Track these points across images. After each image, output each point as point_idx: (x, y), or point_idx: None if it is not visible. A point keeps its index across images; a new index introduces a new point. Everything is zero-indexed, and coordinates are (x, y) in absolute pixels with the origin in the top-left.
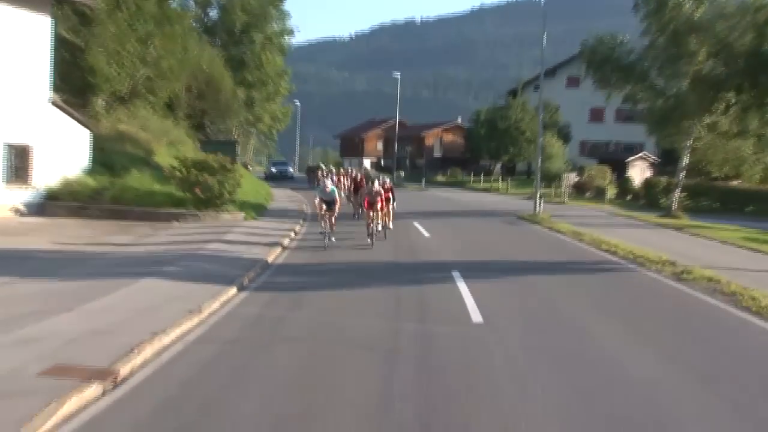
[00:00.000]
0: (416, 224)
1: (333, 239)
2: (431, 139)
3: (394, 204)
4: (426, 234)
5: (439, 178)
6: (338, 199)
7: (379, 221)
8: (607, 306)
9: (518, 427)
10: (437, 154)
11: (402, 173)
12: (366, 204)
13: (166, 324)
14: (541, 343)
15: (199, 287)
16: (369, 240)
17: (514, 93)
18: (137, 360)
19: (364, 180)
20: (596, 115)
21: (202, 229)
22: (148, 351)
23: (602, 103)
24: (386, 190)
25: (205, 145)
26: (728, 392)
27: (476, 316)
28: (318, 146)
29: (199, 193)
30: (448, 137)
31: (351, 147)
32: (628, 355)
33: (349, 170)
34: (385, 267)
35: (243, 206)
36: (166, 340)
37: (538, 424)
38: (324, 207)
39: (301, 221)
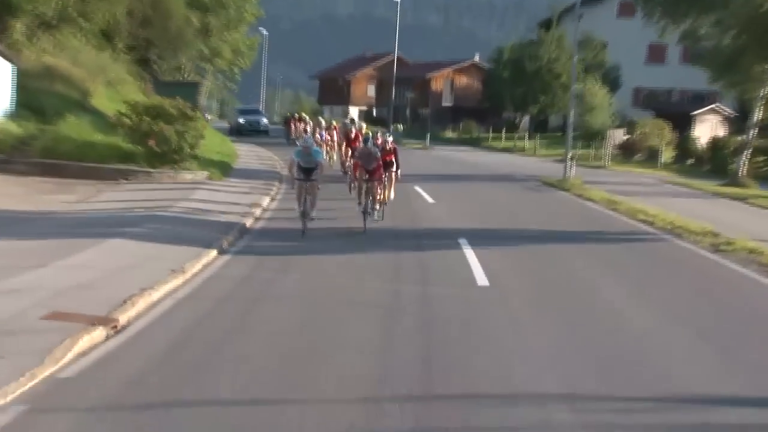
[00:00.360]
0: (418, 189)
1: (313, 215)
2: (439, 82)
3: (398, 173)
4: (430, 200)
5: (449, 133)
6: (322, 165)
7: (376, 198)
8: (623, 273)
9: (513, 365)
10: (447, 102)
11: (400, 126)
12: (356, 171)
13: (151, 282)
14: (547, 304)
15: (174, 249)
16: (363, 221)
17: (547, 24)
18: (132, 311)
19: (359, 137)
20: (656, 54)
21: (159, 189)
22: (141, 304)
23: (664, 38)
24: (387, 153)
25: (159, 86)
26: (722, 344)
27: (482, 280)
28: (287, 88)
29: (153, 146)
30: (462, 80)
31: (333, 91)
32: (633, 315)
33: (348, 124)
34: (381, 233)
35: (206, 164)
36: (155, 295)
37: (533, 364)
38: (301, 176)
39: (276, 182)
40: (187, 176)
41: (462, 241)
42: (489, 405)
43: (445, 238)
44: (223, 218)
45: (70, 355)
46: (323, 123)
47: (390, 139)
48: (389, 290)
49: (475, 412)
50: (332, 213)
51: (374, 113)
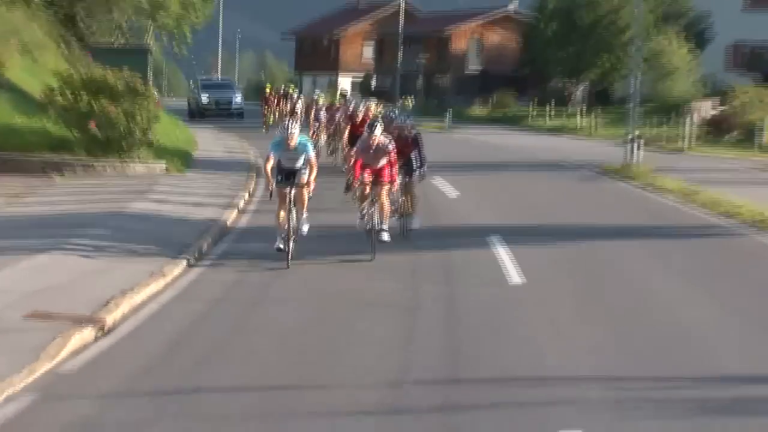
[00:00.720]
0: (436, 181)
1: (304, 228)
2: (462, 41)
3: (423, 171)
4: (452, 194)
5: (476, 110)
6: (313, 164)
7: (385, 211)
8: (683, 269)
9: (546, 354)
10: (473, 66)
11: (410, 102)
12: (357, 170)
13: (130, 284)
14: (590, 301)
15: (146, 251)
16: (370, 244)
17: None
18: (117, 313)
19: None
20: None
21: (105, 185)
22: (125, 306)
23: None
24: (405, 144)
25: (98, 54)
26: None
27: (515, 279)
28: (248, 49)
29: (94, 131)
30: (493, 38)
31: (315, 55)
32: (685, 309)
33: (352, 102)
34: (392, 232)
35: (162, 153)
36: (137, 298)
37: (568, 354)
38: (282, 182)
39: (254, 175)
40: (139, 168)
41: (492, 239)
42: (520, 386)
43: (472, 236)
44: (197, 217)
45: (64, 353)
46: (321, 101)
47: (409, 123)
48: (406, 290)
49: (505, 392)
50: (332, 230)
51: (373, 84)
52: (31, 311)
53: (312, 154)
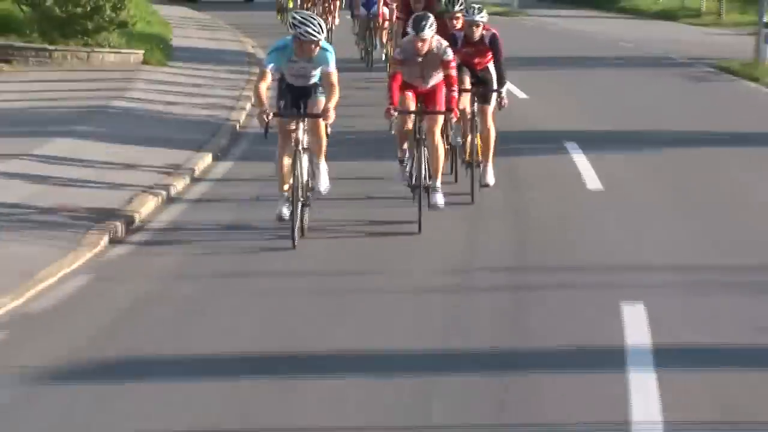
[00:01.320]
0: None
1: (321, 187)
2: None
3: (503, 93)
4: (521, 94)
5: None
6: (334, 84)
7: (438, 155)
8: None
9: (618, 250)
10: None
11: None
12: (395, 91)
13: (150, 181)
14: (677, 210)
15: (152, 152)
16: (414, 196)
17: None
18: (146, 208)
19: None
20: None
21: (72, 77)
22: (151, 204)
23: None
24: (477, 48)
25: None
26: None
27: (594, 184)
28: None
29: (50, 7)
30: None
31: None
32: None
33: None
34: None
35: (138, 40)
36: (160, 197)
37: (641, 250)
38: (286, 110)
39: (257, 69)
40: (110, 58)
41: (570, 145)
42: (588, 271)
43: (545, 142)
44: (200, 116)
45: (102, 243)
46: None
47: (483, 17)
48: (469, 195)
49: (572, 276)
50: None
51: None
52: (58, 203)
53: (333, 66)
